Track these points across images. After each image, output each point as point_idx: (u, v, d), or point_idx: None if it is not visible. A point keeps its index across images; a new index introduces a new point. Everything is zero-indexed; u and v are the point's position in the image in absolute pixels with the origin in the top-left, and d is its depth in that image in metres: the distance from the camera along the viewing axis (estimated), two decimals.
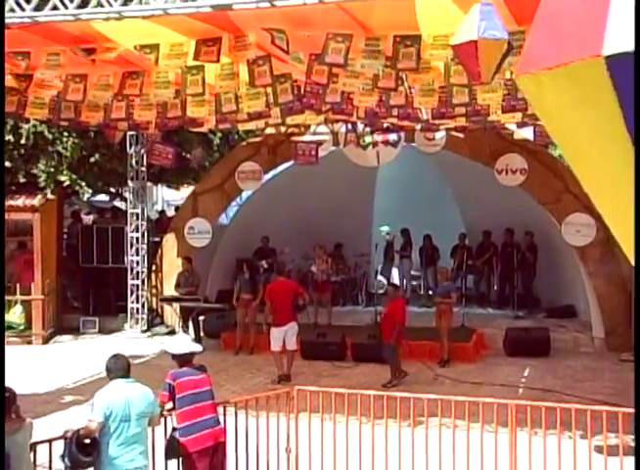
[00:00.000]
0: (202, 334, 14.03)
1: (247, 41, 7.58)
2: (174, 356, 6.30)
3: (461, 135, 13.55)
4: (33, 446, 5.59)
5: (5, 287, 14.24)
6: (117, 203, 20.15)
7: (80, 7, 7.24)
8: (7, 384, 5.70)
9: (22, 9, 7.29)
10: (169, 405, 6.17)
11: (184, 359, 6.26)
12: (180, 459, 6.20)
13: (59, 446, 5.65)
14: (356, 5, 7.01)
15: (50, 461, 5.73)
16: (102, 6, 7.21)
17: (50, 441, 5.73)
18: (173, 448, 6.10)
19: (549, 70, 4.82)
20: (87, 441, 5.55)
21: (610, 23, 4.31)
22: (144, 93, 9.13)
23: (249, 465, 6.97)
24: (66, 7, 7.23)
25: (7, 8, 7.37)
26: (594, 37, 4.38)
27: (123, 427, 5.58)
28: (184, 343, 6.52)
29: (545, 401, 7.53)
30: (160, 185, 22.95)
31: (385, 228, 16.55)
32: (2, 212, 12.04)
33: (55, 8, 7.26)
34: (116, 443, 5.55)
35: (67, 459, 5.43)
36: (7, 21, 7.40)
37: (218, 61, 7.77)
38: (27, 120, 12.86)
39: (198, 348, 6.48)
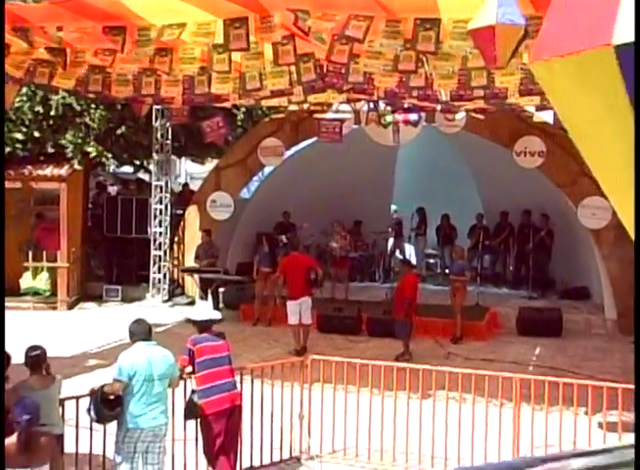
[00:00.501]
0: (221, 305, 14.37)
1: (272, 23, 7.78)
2: (195, 323, 6.63)
3: (481, 117, 13.67)
4: (62, 402, 5.96)
5: (29, 257, 14.69)
6: (141, 175, 20.50)
7: None
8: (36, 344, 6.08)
9: None
10: (189, 369, 6.50)
11: (204, 326, 6.59)
12: (198, 420, 6.55)
13: (85, 403, 6.02)
14: None
15: (77, 416, 6.10)
16: None
17: (77, 397, 6.10)
18: (192, 410, 6.45)
19: (561, 57, 5.00)
20: (112, 397, 5.90)
21: (620, 13, 4.51)
22: (172, 69, 9.38)
23: (263, 429, 7.30)
24: None
25: None
26: (605, 26, 4.56)
27: (146, 387, 5.92)
28: (204, 310, 6.84)
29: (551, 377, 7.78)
30: (183, 159, 23.28)
31: (393, 207, 16.77)
32: (2, 213, 12.27)
33: None
34: (140, 401, 5.90)
35: (92, 412, 5.79)
36: None
37: (248, 48, 7.99)
38: (57, 92, 13.16)
39: (217, 315, 6.81)
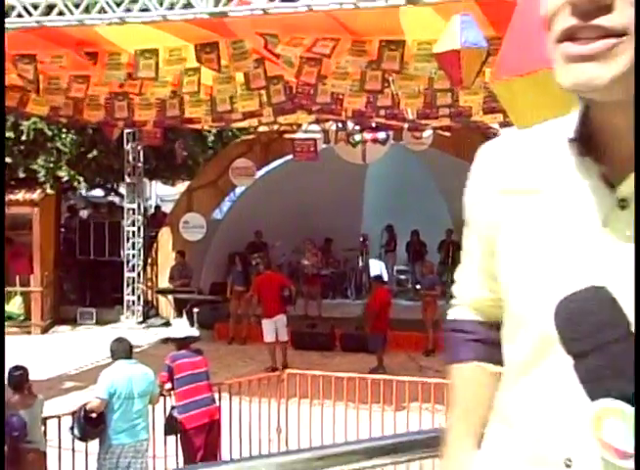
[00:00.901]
0: (195, 325, 14.45)
1: (243, 48, 8.01)
2: (173, 340, 6.80)
3: (447, 134, 14.03)
4: (44, 421, 6.08)
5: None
6: (112, 198, 20.56)
7: (85, 12, 7.72)
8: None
9: (30, 14, 7.75)
10: (168, 385, 6.66)
11: (182, 343, 6.75)
12: (178, 435, 6.69)
13: (67, 422, 6.14)
14: (344, 12, 7.48)
15: (59, 435, 6.21)
16: (105, 12, 7.69)
17: (59, 416, 6.21)
18: (172, 425, 6.60)
19: (519, 76, 5.30)
20: (94, 415, 6.04)
21: None
22: (143, 93, 9.58)
23: (242, 443, 7.44)
24: (71, 12, 7.70)
25: (15, 13, 7.83)
26: None
27: (127, 404, 6.06)
28: (182, 328, 7.02)
29: None
30: (154, 181, 23.36)
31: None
32: (2, 213, 12.38)
33: (61, 13, 7.73)
34: (121, 418, 6.04)
35: (76, 430, 5.91)
36: (15, 25, 7.85)
37: (219, 70, 8.21)
38: (28, 117, 13.27)
39: (195, 332, 6.98)
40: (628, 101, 0.93)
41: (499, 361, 1.20)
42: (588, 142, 1.03)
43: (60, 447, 6.27)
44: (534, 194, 1.10)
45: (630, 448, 0.91)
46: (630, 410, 0.91)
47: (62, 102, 10.13)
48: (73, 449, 6.29)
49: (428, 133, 14.23)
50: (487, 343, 1.26)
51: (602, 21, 0.91)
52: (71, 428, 6.02)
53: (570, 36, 0.94)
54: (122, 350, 6.26)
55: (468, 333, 1.30)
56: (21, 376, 5.99)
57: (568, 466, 1.00)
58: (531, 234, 1.09)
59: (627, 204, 0.97)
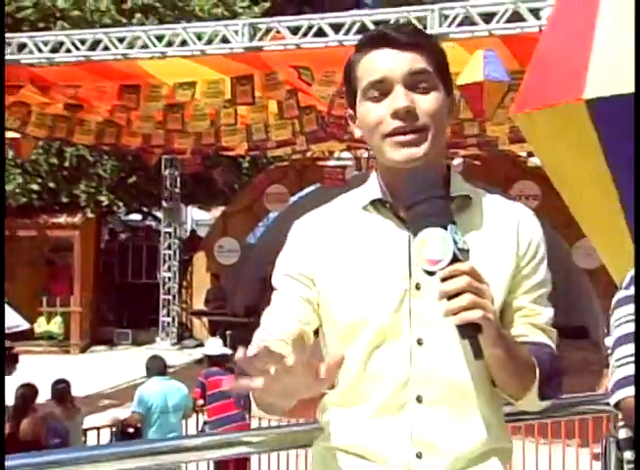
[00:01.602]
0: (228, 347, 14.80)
1: (277, 80, 8.40)
2: (208, 357, 7.12)
3: (477, 162, 14.29)
4: (84, 432, 6.43)
5: (42, 302, 15.22)
6: (148, 222, 21.13)
7: (129, 48, 8.20)
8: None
9: (78, 49, 8.25)
10: (201, 402, 6.97)
11: (215, 360, 7.08)
12: None
13: (105, 433, 6.49)
14: None
15: (97, 440, 6.57)
16: (147, 47, 8.16)
17: (98, 428, 6.57)
18: None
19: (540, 109, 5.60)
20: (131, 430, 6.38)
21: (591, 69, 5.09)
22: (185, 123, 10.02)
23: (270, 459, 7.71)
24: (116, 47, 8.19)
25: (63, 49, 8.34)
26: (577, 82, 5.15)
27: (162, 418, 6.40)
28: (216, 346, 7.34)
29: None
30: (190, 206, 23.90)
31: None
32: (2, 213, 12.78)
33: (106, 48, 8.22)
34: (156, 431, 6.37)
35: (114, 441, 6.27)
36: (63, 59, 8.36)
37: (254, 102, 8.60)
38: (71, 145, 13.84)
39: (227, 351, 7.30)
40: (422, 164, 1.51)
41: None
42: (385, 201, 1.59)
43: None
44: (343, 241, 1.60)
45: (439, 257, 1.35)
46: (447, 234, 1.36)
47: (106, 130, 10.61)
48: None
49: (458, 161, 14.50)
50: None
51: (412, 123, 1.52)
52: (110, 441, 6.36)
53: (395, 133, 1.52)
54: (157, 367, 6.61)
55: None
56: (63, 389, 6.36)
57: (419, 400, 1.52)
58: (349, 265, 1.58)
59: (415, 232, 1.43)
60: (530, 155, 12.63)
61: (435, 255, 1.35)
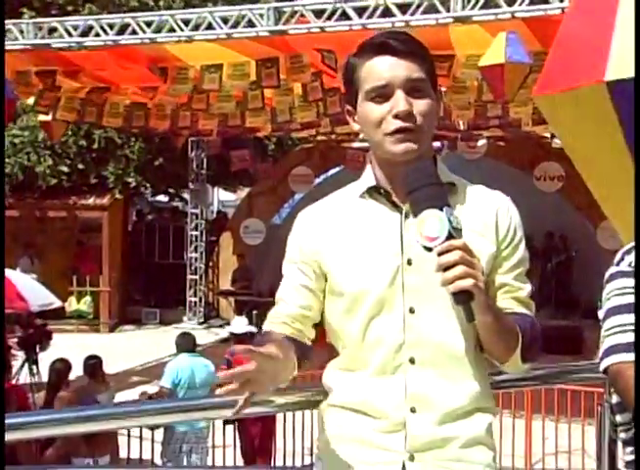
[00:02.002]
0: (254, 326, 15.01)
1: (302, 63, 8.50)
2: (234, 335, 7.32)
3: (501, 143, 14.32)
4: None
5: (73, 282, 15.53)
6: (175, 203, 21.37)
7: (156, 32, 8.35)
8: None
9: (106, 33, 8.42)
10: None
11: (241, 338, 7.27)
12: (236, 424, 7.20)
13: None
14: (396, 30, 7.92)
15: None
16: (174, 31, 8.30)
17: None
18: None
19: (561, 92, 5.66)
20: None
21: (612, 51, 5.14)
22: (210, 104, 10.18)
23: (295, 432, 7.92)
24: (144, 31, 8.34)
25: (93, 33, 8.50)
26: (598, 64, 5.21)
27: (189, 393, 6.60)
28: (242, 324, 7.53)
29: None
30: (216, 187, 24.12)
31: None
32: (2, 213, 13.00)
33: (134, 32, 8.38)
34: None
35: None
36: (92, 43, 8.53)
37: (279, 85, 8.72)
38: (100, 127, 14.06)
39: (253, 329, 7.49)
40: (416, 157, 1.73)
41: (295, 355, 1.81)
42: (378, 187, 1.82)
43: (129, 435, 6.83)
44: (342, 226, 1.82)
45: (436, 234, 1.57)
46: (443, 215, 1.58)
47: (134, 113, 10.79)
48: (141, 437, 6.83)
49: (482, 142, 14.53)
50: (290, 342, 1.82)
51: (411, 123, 1.73)
52: None
53: (396, 131, 1.73)
54: (186, 343, 6.81)
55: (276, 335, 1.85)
56: (94, 364, 6.58)
57: (412, 362, 1.73)
58: (350, 246, 1.79)
59: (408, 215, 1.73)
60: (554, 136, 12.63)
61: (433, 232, 1.57)
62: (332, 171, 16.70)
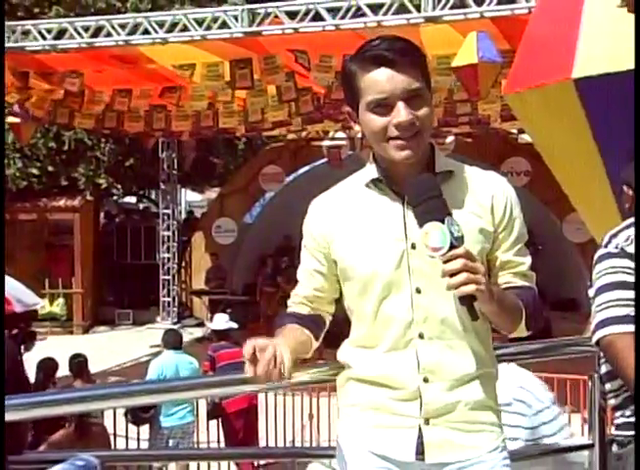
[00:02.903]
0: None
1: (275, 63, 8.64)
2: (215, 332, 7.44)
3: (469, 140, 14.58)
4: None
5: (45, 284, 15.47)
6: (143, 204, 21.36)
7: (130, 34, 8.42)
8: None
9: (81, 36, 8.47)
10: (210, 374, 7.29)
11: (223, 334, 7.40)
12: (220, 419, 7.33)
13: (119, 409, 6.76)
14: (368, 31, 8.08)
15: (114, 418, 6.86)
16: (149, 33, 8.38)
17: None
18: (214, 410, 7.23)
19: (530, 89, 5.86)
20: None
21: (579, 49, 5.35)
22: (181, 105, 10.26)
23: (277, 427, 8.06)
24: (118, 33, 8.41)
25: (67, 35, 8.55)
26: (566, 62, 5.42)
27: None
28: (223, 321, 7.65)
29: None
30: (183, 189, 24.13)
31: None
32: (2, 214, 13.02)
33: (108, 35, 8.44)
34: (169, 403, 6.67)
35: (129, 415, 6.57)
36: (66, 46, 8.58)
37: (253, 87, 8.85)
38: (70, 128, 14.04)
39: (234, 325, 7.62)
40: (415, 161, 1.88)
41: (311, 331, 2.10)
42: (382, 180, 1.98)
43: (115, 435, 6.91)
44: (351, 212, 1.98)
45: (440, 244, 1.72)
46: (444, 227, 1.72)
47: (107, 115, 10.83)
48: (127, 436, 6.91)
49: (450, 139, 14.78)
50: (306, 322, 2.10)
51: (411, 131, 1.86)
52: (126, 414, 6.66)
53: (397, 138, 1.87)
54: (173, 341, 6.93)
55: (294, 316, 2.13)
56: (80, 363, 6.66)
57: (421, 337, 1.90)
58: (357, 233, 1.96)
59: (409, 205, 1.87)
60: (521, 132, 12.92)
61: (437, 243, 1.73)
62: (302, 170, 16.84)
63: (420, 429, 1.91)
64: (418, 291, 1.90)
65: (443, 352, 1.90)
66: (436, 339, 1.90)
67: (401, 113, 1.84)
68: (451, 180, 1.95)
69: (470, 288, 1.72)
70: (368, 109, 1.89)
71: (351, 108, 1.97)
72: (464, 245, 1.74)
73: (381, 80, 1.86)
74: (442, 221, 1.72)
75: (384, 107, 1.87)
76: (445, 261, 1.73)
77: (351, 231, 1.97)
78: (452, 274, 1.72)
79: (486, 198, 1.96)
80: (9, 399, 2.00)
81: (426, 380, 1.90)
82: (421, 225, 1.76)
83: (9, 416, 2.00)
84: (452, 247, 1.72)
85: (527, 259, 2.03)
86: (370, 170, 2.00)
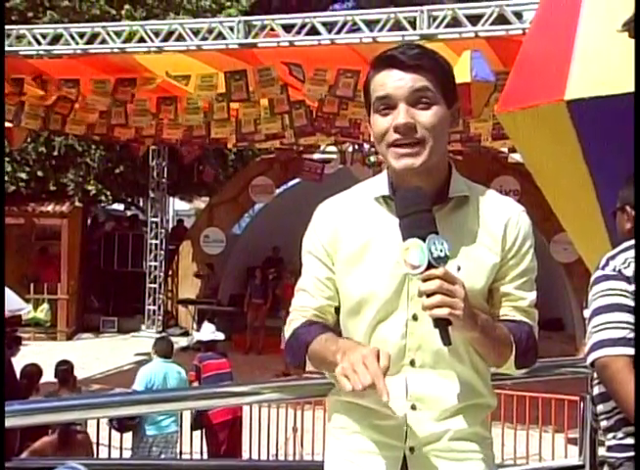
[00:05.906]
0: None
1: (270, 75, 8.65)
2: (201, 342, 7.42)
3: (459, 158, 14.64)
4: None
5: (30, 289, 15.41)
6: (131, 212, 21.29)
7: (126, 42, 8.44)
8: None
9: (77, 42, 8.47)
10: (196, 384, 7.26)
11: (209, 345, 7.38)
12: (204, 430, 7.30)
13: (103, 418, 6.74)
14: (363, 46, 8.14)
15: (97, 426, 6.83)
16: (144, 41, 8.39)
17: None
18: (199, 420, 7.21)
19: (522, 109, 5.91)
20: None
21: (572, 71, 5.40)
22: (176, 119, 10.26)
23: (260, 440, 8.03)
24: (113, 41, 8.41)
25: (62, 41, 8.55)
26: (558, 83, 5.46)
27: None
28: (209, 331, 7.64)
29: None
30: (171, 197, 24.10)
31: None
32: (2, 215, 12.99)
33: (104, 42, 8.45)
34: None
35: (114, 422, 6.53)
36: (61, 52, 8.57)
37: (249, 98, 8.86)
38: (61, 134, 14.00)
39: (220, 336, 7.60)
40: (425, 169, 1.79)
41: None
42: (392, 198, 1.87)
43: (98, 443, 6.87)
44: (357, 227, 1.90)
45: (417, 262, 1.65)
46: (424, 245, 1.64)
47: (98, 121, 10.81)
48: (110, 445, 6.87)
49: None
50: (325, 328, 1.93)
51: (411, 137, 1.78)
52: (110, 420, 6.62)
53: (396, 144, 1.80)
54: (164, 349, 6.91)
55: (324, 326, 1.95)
56: (66, 370, 6.62)
57: (412, 364, 1.84)
58: (362, 248, 1.88)
59: (403, 239, 1.72)
60: (512, 151, 12.98)
61: (415, 261, 1.66)
62: (292, 182, 16.86)
63: (404, 457, 1.86)
64: (414, 318, 1.83)
65: (434, 381, 1.85)
66: (428, 367, 1.85)
67: (400, 115, 1.78)
68: (465, 206, 1.87)
69: (442, 311, 1.64)
70: (374, 110, 1.84)
71: (368, 113, 1.90)
72: (445, 266, 1.65)
73: (386, 79, 1.81)
74: (424, 239, 1.65)
75: (387, 108, 1.80)
76: (423, 281, 1.66)
77: (355, 246, 1.89)
78: (429, 295, 1.65)
79: (498, 227, 1.88)
80: (8, 406, 1.98)
81: (414, 408, 1.85)
82: (404, 239, 1.68)
83: (8, 423, 1.98)
84: (430, 266, 1.64)
85: (531, 295, 1.95)
86: (382, 183, 1.92)
